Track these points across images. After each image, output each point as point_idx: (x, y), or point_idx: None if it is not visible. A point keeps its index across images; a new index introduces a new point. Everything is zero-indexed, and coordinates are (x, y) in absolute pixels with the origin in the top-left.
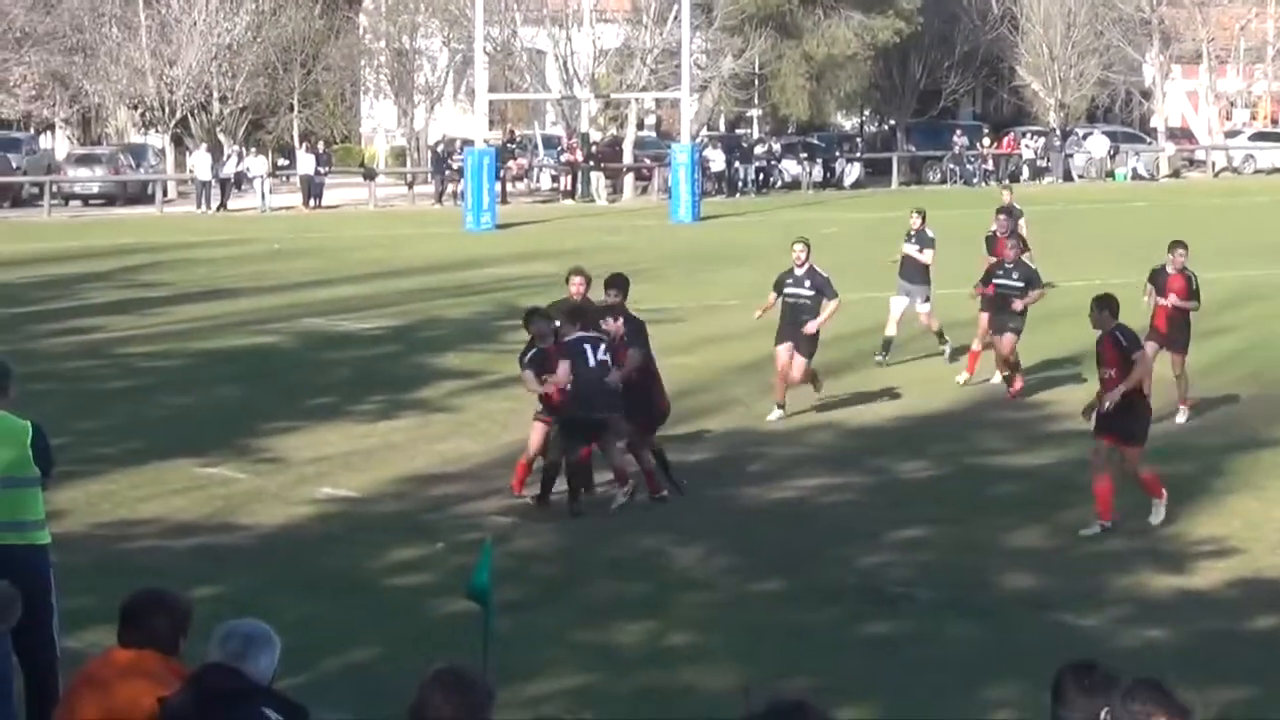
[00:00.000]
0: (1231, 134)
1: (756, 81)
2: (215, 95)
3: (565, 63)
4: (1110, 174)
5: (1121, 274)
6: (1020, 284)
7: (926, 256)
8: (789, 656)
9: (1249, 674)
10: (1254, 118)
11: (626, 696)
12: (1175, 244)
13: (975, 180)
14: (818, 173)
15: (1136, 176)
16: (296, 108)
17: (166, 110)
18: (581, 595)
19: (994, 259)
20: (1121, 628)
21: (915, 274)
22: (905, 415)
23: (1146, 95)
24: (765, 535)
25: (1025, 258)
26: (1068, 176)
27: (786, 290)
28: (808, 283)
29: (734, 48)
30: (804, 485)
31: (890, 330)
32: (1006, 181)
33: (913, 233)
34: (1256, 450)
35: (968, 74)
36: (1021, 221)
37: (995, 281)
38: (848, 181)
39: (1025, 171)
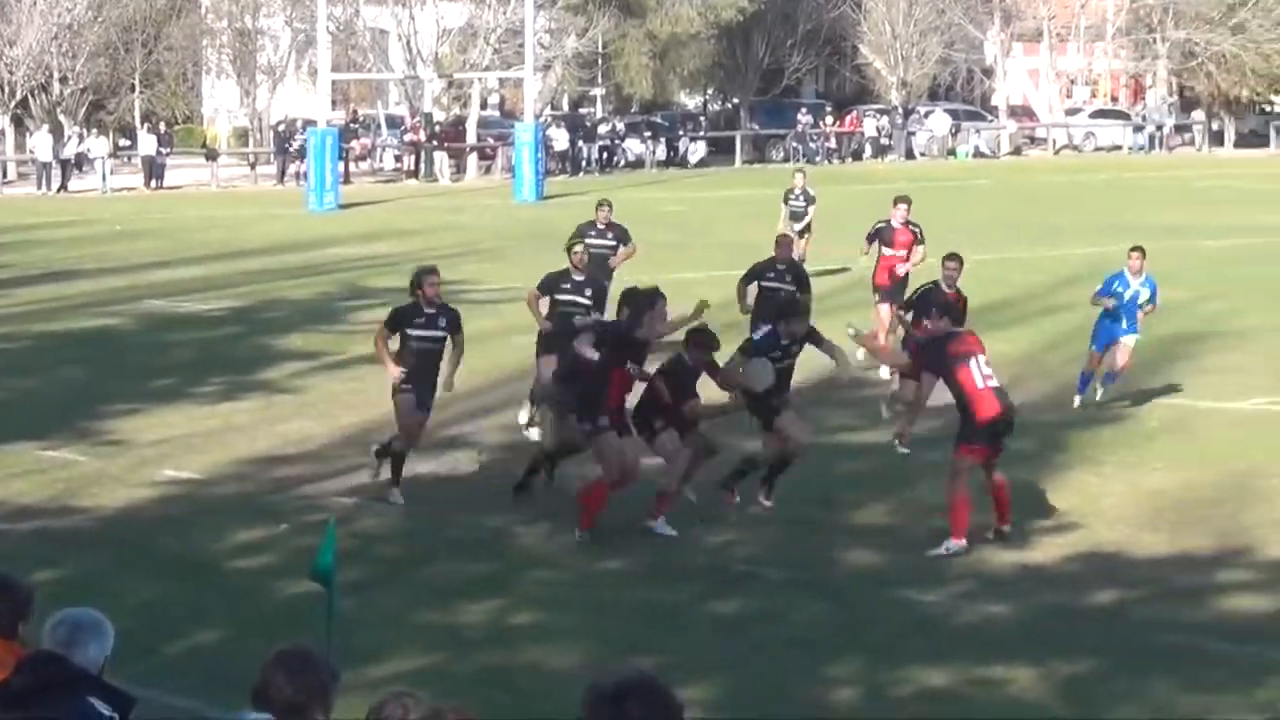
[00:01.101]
0: (1072, 112)
1: (600, 60)
2: (55, 76)
3: (408, 42)
4: (952, 152)
5: (963, 252)
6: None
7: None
8: (635, 635)
9: (1088, 648)
10: (1094, 95)
11: (470, 676)
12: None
13: (818, 158)
14: (661, 151)
15: (978, 154)
16: (138, 88)
17: (6, 91)
18: (425, 575)
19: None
20: (963, 603)
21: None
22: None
23: (988, 73)
24: (611, 514)
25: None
26: (910, 154)
27: (590, 241)
28: (610, 234)
29: (577, 26)
30: (649, 464)
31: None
32: (801, 163)
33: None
34: (1095, 426)
35: (810, 52)
36: (812, 209)
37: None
38: (692, 160)
39: (868, 149)
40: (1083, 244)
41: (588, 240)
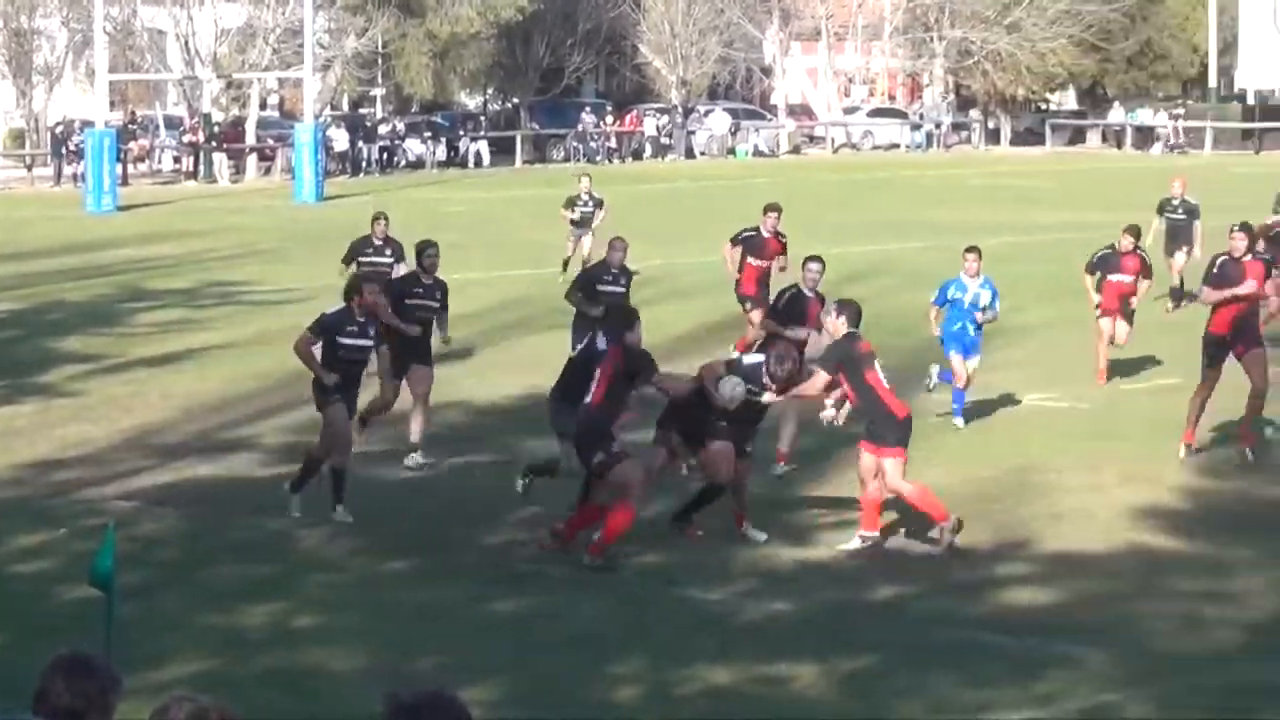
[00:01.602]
0: (850, 110)
1: (380, 60)
2: None
3: (186, 42)
4: (732, 151)
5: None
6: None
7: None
8: (417, 636)
9: (869, 644)
10: (872, 94)
11: (253, 678)
12: (769, 207)
13: (599, 158)
14: (442, 152)
15: (758, 153)
16: None
17: None
18: (206, 578)
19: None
20: (748, 601)
21: None
22: (531, 394)
23: (767, 72)
24: (393, 516)
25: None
26: (690, 154)
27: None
28: (388, 250)
29: (357, 26)
30: (431, 465)
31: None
32: (583, 163)
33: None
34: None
35: (590, 51)
36: (600, 213)
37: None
38: (472, 160)
39: (648, 149)
40: (863, 242)
41: (361, 259)
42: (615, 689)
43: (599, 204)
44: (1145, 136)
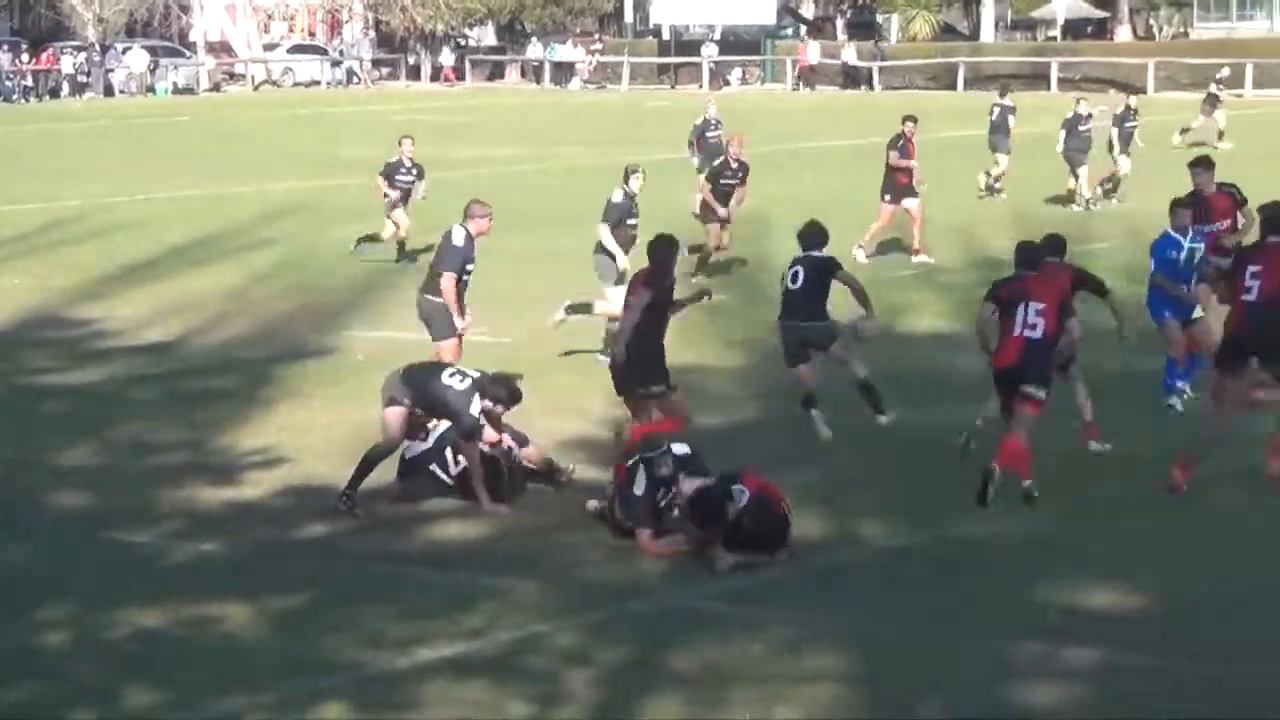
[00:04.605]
0: (270, 47)
1: None
2: None
3: None
4: (151, 89)
5: (175, 187)
6: None
7: None
8: None
9: (301, 582)
10: (292, 30)
11: None
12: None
13: (15, 97)
14: None
15: (178, 90)
16: None
17: None
18: None
19: None
20: (175, 543)
21: None
22: None
23: (185, 9)
24: None
25: None
26: (109, 92)
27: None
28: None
29: None
30: None
31: None
32: None
33: None
34: (302, 360)
35: None
36: (422, 184)
37: None
38: None
39: (65, 87)
40: (286, 179)
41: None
42: (40, 634)
43: (420, 174)
44: (564, 71)
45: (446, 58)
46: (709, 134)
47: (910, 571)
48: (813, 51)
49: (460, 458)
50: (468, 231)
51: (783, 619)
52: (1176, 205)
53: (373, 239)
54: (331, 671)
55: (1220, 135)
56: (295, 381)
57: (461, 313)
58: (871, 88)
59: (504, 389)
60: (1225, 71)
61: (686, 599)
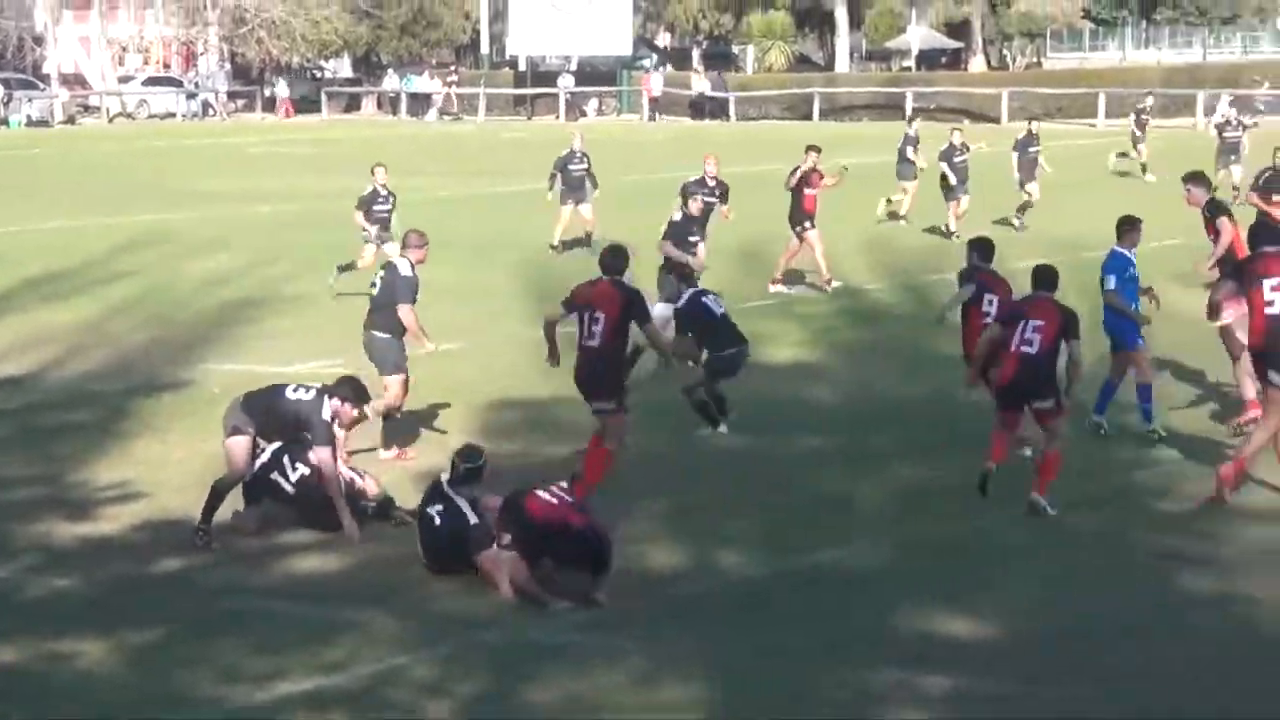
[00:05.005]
0: (125, 79)
1: None
2: None
3: None
4: (4, 121)
5: (30, 221)
6: None
7: None
8: None
9: (158, 617)
10: (146, 63)
11: None
12: None
13: None
14: None
15: (32, 123)
16: None
17: None
18: None
19: None
20: (30, 577)
21: None
22: None
23: (39, 41)
24: None
25: None
26: None
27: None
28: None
29: None
30: None
31: None
32: None
33: None
34: (158, 393)
35: None
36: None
37: None
38: None
39: None
40: (142, 211)
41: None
42: None
43: (394, 203)
44: (420, 103)
45: (282, 90)
46: (571, 166)
47: (767, 600)
48: (656, 82)
49: (299, 464)
50: (410, 261)
51: (640, 649)
52: (1125, 225)
53: (350, 267)
54: (189, 706)
55: (1144, 169)
56: (151, 415)
57: (428, 337)
58: (725, 118)
59: (349, 387)
60: (1150, 100)
61: (544, 630)
